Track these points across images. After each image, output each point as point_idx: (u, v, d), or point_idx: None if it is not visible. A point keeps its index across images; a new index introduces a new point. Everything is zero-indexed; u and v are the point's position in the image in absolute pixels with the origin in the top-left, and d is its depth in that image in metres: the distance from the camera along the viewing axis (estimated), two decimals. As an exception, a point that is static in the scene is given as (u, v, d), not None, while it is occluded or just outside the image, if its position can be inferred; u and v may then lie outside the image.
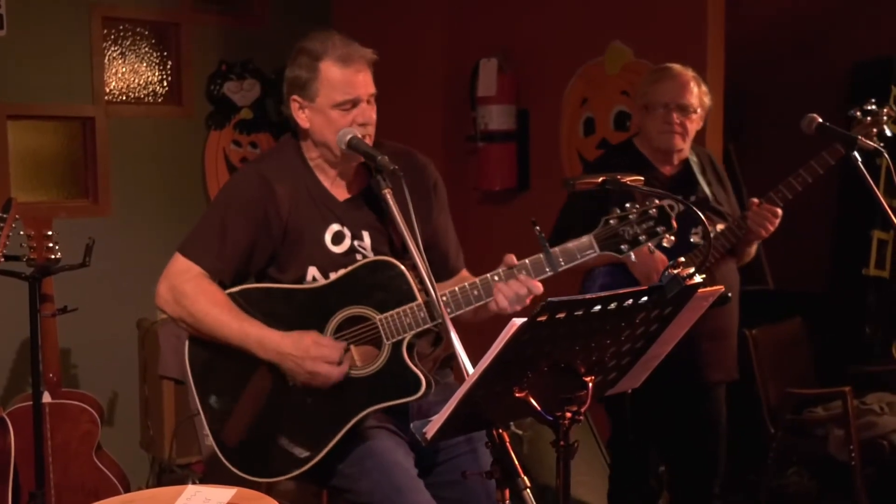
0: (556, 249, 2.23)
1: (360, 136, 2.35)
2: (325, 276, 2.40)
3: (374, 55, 2.41)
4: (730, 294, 2.97)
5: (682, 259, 2.39)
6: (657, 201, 2.22)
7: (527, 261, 2.26)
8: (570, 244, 2.23)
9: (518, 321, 1.62)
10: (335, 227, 2.43)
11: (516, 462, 1.80)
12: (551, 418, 1.78)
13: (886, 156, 2.54)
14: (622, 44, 4.16)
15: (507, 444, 1.82)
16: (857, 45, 4.79)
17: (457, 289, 2.28)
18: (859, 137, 2.52)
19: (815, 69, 4.91)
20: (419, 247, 2.18)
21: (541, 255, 2.24)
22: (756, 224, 3.00)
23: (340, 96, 2.34)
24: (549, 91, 4.45)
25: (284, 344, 2.30)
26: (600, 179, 2.19)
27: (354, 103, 2.35)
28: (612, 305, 1.70)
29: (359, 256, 2.42)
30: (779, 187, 3.00)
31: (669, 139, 3.09)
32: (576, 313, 1.66)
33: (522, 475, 1.79)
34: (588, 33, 4.28)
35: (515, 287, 2.23)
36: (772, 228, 3.01)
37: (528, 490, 1.79)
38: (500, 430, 1.83)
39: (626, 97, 4.19)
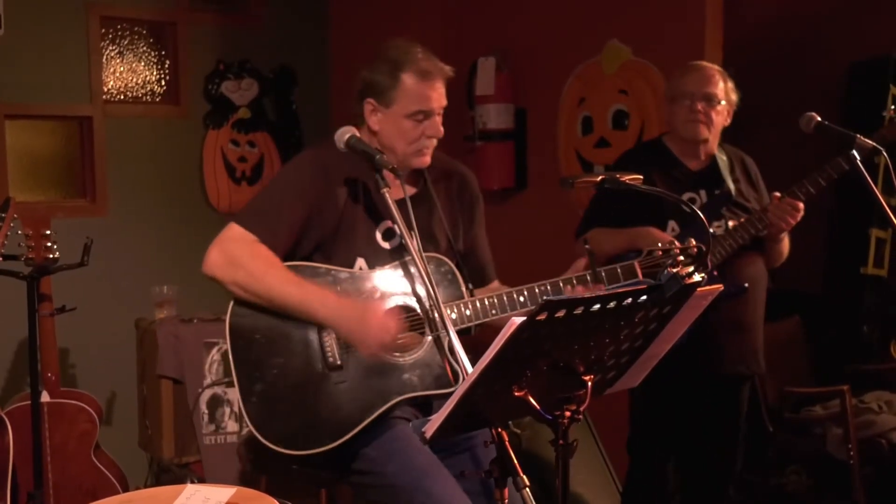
0: (602, 270, 2.40)
1: (358, 135, 2.40)
2: (371, 269, 2.47)
3: (451, 72, 2.51)
4: (746, 285, 2.99)
5: (682, 257, 2.43)
6: (693, 241, 2.43)
7: (573, 277, 2.41)
8: (617, 268, 2.41)
9: (517, 320, 1.62)
10: (388, 223, 2.51)
11: (515, 461, 1.81)
12: (550, 417, 1.78)
13: (885, 154, 2.54)
14: (620, 43, 4.16)
15: (507, 442, 1.83)
16: (854, 44, 4.79)
17: (504, 294, 2.41)
18: (858, 136, 2.52)
19: (812, 69, 4.91)
20: (417, 244, 2.25)
21: (587, 274, 2.40)
22: (777, 217, 3.01)
23: (416, 107, 2.44)
24: (547, 90, 4.45)
25: (347, 301, 2.37)
26: (599, 178, 2.20)
27: (427, 115, 2.45)
28: (612, 304, 1.71)
29: (407, 255, 2.47)
30: (802, 182, 2.99)
31: (695, 128, 3.11)
32: (575, 312, 1.66)
33: (521, 474, 1.79)
34: (586, 32, 4.28)
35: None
36: (793, 222, 3.01)
37: (527, 489, 1.79)
38: (500, 429, 1.83)
39: (624, 96, 4.19)
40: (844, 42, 4.84)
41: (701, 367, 3.06)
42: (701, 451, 3.30)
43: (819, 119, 2.59)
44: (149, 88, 5.01)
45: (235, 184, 5.16)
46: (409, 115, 2.44)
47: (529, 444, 3.57)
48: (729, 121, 3.20)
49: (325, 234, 2.47)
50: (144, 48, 4.98)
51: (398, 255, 2.48)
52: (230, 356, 2.43)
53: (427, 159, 2.50)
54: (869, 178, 2.46)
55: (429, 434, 1.77)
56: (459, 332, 2.36)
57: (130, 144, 4.84)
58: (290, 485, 3.06)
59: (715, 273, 2.95)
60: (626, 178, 2.20)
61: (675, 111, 3.16)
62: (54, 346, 3.71)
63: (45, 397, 3.61)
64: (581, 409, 1.80)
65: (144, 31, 4.97)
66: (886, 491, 3.94)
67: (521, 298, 2.39)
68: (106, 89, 4.83)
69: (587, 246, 2.38)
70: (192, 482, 3.42)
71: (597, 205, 3.22)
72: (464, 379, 1.77)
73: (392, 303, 2.42)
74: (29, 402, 3.53)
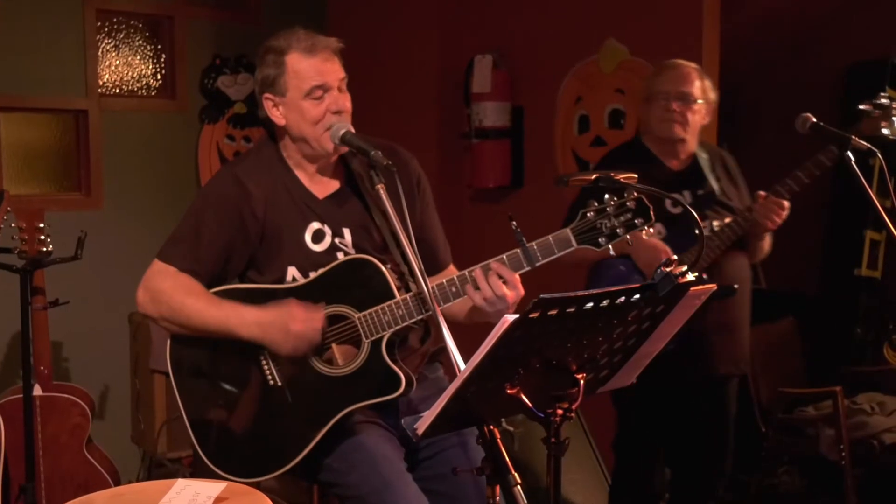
0: (534, 244, 2.22)
1: (353, 130, 2.34)
2: (305, 276, 2.40)
3: (339, 43, 2.40)
4: (736, 286, 2.98)
5: (676, 256, 2.41)
6: (635, 193, 2.18)
7: (503, 256, 2.24)
8: (548, 238, 2.23)
9: (510, 317, 1.61)
10: (315, 225, 2.42)
11: (507, 458, 1.80)
12: (542, 415, 1.78)
13: (880, 156, 2.54)
14: (617, 42, 4.16)
15: (498, 440, 1.82)
16: (852, 45, 4.80)
17: (434, 286, 2.26)
18: (853, 137, 2.52)
19: (810, 69, 4.92)
20: (412, 242, 2.18)
21: (518, 251, 2.23)
22: (762, 216, 3.00)
23: (308, 84, 2.34)
24: (543, 88, 4.45)
25: (265, 317, 2.30)
26: (593, 177, 2.19)
27: (325, 89, 2.35)
28: (605, 303, 1.70)
29: (340, 254, 2.41)
30: (785, 180, 3.00)
31: (669, 127, 3.10)
32: (568, 310, 1.66)
33: (513, 471, 1.79)
34: (583, 31, 4.28)
35: (493, 282, 2.21)
36: (779, 221, 3.01)
37: (519, 486, 1.79)
38: (492, 427, 1.83)
39: (621, 95, 4.19)
40: (842, 44, 4.85)
41: (689, 369, 3.05)
42: (690, 450, 3.30)
43: (814, 120, 2.59)
44: (145, 82, 5.00)
45: (231, 179, 5.15)
46: (306, 94, 2.34)
47: (522, 442, 3.57)
48: (708, 119, 3.19)
49: (252, 247, 2.41)
50: (140, 42, 4.97)
51: (331, 255, 2.40)
52: (175, 390, 2.43)
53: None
54: (864, 180, 2.45)
55: (421, 431, 1.76)
56: (402, 331, 2.33)
57: (126, 138, 4.83)
58: (283, 480, 3.06)
59: (704, 276, 2.94)
60: (621, 176, 2.18)
61: (650, 110, 3.14)
62: (47, 339, 3.70)
63: (37, 391, 3.61)
64: (573, 407, 1.80)
65: (141, 25, 4.96)
66: (878, 492, 3.94)
67: (454, 289, 2.25)
68: (101, 83, 4.81)
69: (513, 223, 2.21)
70: (184, 477, 3.42)
71: (578, 206, 3.16)
72: (457, 376, 1.76)
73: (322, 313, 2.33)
74: (21, 395, 3.53)
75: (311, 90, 2.34)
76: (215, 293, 2.39)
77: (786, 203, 2.99)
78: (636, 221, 2.17)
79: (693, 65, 3.16)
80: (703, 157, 3.18)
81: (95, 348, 4.62)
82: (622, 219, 2.18)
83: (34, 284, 3.60)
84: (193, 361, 2.42)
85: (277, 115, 2.41)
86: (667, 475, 3.57)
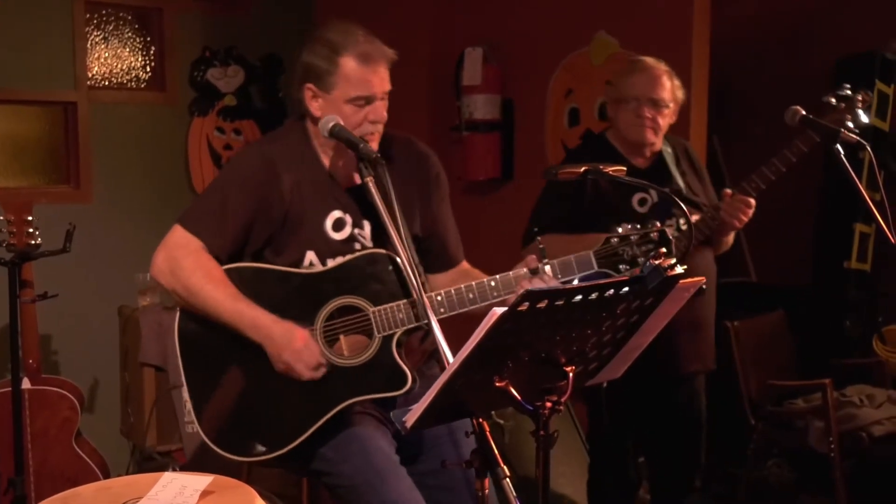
0: (555, 262, 2.27)
1: (342, 124, 2.33)
2: (323, 262, 2.40)
3: (394, 55, 2.40)
4: (704, 286, 2.96)
5: (664, 249, 2.41)
6: (658, 224, 2.26)
7: (526, 270, 2.28)
8: (571, 258, 2.27)
9: (499, 310, 1.61)
10: (337, 213, 2.42)
11: (496, 451, 1.80)
12: (531, 408, 1.78)
13: (869, 149, 2.54)
14: (608, 35, 4.16)
15: (487, 433, 1.82)
16: (841, 40, 4.80)
17: (452, 290, 2.29)
18: (842, 131, 2.52)
19: (799, 64, 4.92)
20: (401, 234, 2.19)
21: (539, 267, 2.27)
22: (729, 215, 2.99)
23: (356, 92, 2.33)
24: (534, 81, 4.45)
25: (274, 330, 2.29)
26: (582, 169, 2.19)
27: (369, 100, 2.35)
28: (594, 296, 1.70)
29: (357, 245, 2.42)
30: (752, 177, 2.98)
31: (641, 132, 3.06)
32: (557, 303, 1.66)
33: (502, 464, 1.79)
34: (574, 24, 4.28)
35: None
36: (745, 219, 2.99)
37: (508, 479, 1.79)
38: (481, 420, 1.83)
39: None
40: (831, 38, 4.85)
41: (656, 367, 3.02)
42: (662, 443, 3.31)
43: (804, 113, 2.59)
44: (134, 75, 4.98)
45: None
46: (350, 100, 2.33)
47: (512, 435, 3.57)
48: (675, 118, 3.17)
49: (273, 227, 2.40)
50: (130, 34, 4.95)
51: (349, 245, 2.41)
52: (180, 364, 2.41)
53: (372, 145, 2.37)
54: (853, 174, 2.45)
55: (409, 423, 1.76)
56: (410, 331, 2.33)
57: (115, 131, 4.82)
58: (272, 473, 3.06)
59: None
60: (610, 169, 2.18)
61: (620, 112, 3.09)
62: (35, 332, 3.69)
63: (25, 384, 3.60)
64: (562, 399, 1.80)
65: (130, 17, 4.94)
66: (867, 484, 3.96)
67: (471, 295, 2.28)
68: (90, 75, 4.80)
69: (539, 241, 2.26)
70: (174, 470, 3.42)
71: (543, 206, 3.12)
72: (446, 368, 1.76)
73: (336, 305, 2.33)
74: (10, 388, 3.52)
75: (356, 98, 2.34)
76: (230, 270, 2.37)
77: (752, 201, 2.98)
78: (658, 252, 2.20)
79: (663, 66, 3.10)
80: (668, 152, 3.15)
81: (84, 341, 4.61)
82: (644, 248, 2.26)
83: (23, 277, 3.59)
84: (201, 335, 2.40)
85: (315, 107, 2.40)
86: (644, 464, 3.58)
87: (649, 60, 3.12)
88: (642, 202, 3.04)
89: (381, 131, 2.40)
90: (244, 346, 2.34)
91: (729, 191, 3.01)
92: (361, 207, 2.43)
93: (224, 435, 2.38)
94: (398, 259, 2.27)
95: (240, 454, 2.36)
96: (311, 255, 2.40)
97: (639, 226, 2.23)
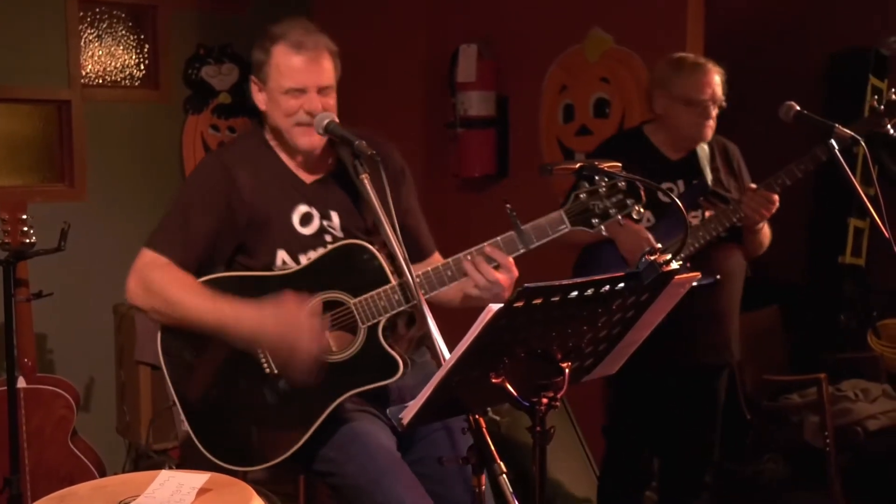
0: (528, 226, 2.24)
1: (337, 121, 2.32)
2: (295, 260, 2.39)
3: (330, 45, 2.37)
4: (718, 277, 2.98)
5: (660, 245, 2.41)
6: (623, 172, 2.19)
7: (499, 238, 2.26)
8: (542, 220, 2.25)
9: (495, 306, 1.61)
10: (303, 208, 2.41)
11: (492, 447, 1.80)
12: (527, 404, 1.78)
13: (864, 144, 2.55)
14: (602, 31, 4.16)
15: (484, 429, 1.82)
16: (835, 34, 4.81)
17: (430, 269, 2.28)
18: (836, 126, 2.52)
19: (793, 59, 4.93)
20: (395, 230, 2.17)
21: (513, 233, 2.25)
22: (751, 209, 3.00)
23: (286, 83, 2.33)
24: (528, 77, 4.45)
25: (264, 316, 2.25)
26: (577, 165, 2.19)
27: (301, 91, 2.33)
28: (589, 292, 1.70)
29: (328, 237, 2.41)
30: (779, 173, 2.99)
31: (703, 131, 3.09)
32: (552, 299, 1.66)
33: (498, 461, 1.79)
34: (568, 20, 4.28)
35: (483, 269, 2.22)
36: (767, 214, 3.01)
37: (504, 475, 1.79)
38: (477, 416, 1.83)
39: (606, 84, 4.18)
40: (825, 33, 4.86)
41: (676, 358, 3.06)
42: (678, 439, 3.32)
43: (798, 108, 2.59)
44: (128, 72, 4.97)
45: (215, 169, 5.13)
46: (284, 92, 2.32)
47: (508, 430, 3.58)
48: None
49: (240, 232, 2.38)
50: (123, 32, 4.94)
51: (319, 239, 2.39)
52: (167, 379, 2.40)
53: (308, 140, 2.35)
54: (847, 168, 2.46)
55: (406, 420, 1.76)
56: (395, 316, 2.32)
57: (109, 129, 4.80)
58: (269, 471, 3.06)
59: (688, 265, 2.94)
60: (605, 165, 2.18)
61: (683, 114, 3.08)
62: (31, 331, 3.68)
63: (21, 383, 3.59)
64: (559, 395, 1.80)
65: (123, 15, 4.93)
66: (862, 478, 3.97)
67: (449, 273, 2.26)
68: (84, 73, 4.78)
69: (507, 206, 2.20)
70: (171, 468, 3.41)
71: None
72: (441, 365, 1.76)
73: (316, 299, 2.31)
74: (5, 387, 3.51)
75: (289, 90, 2.33)
76: (206, 282, 2.35)
77: (775, 197, 2.99)
78: (627, 202, 2.19)
79: (713, 64, 3.12)
80: (703, 149, 3.17)
81: (80, 340, 4.60)
82: (614, 199, 2.22)
83: (17, 276, 3.58)
84: (186, 352, 2.39)
85: (260, 100, 2.41)
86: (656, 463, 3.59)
87: (708, 62, 3.14)
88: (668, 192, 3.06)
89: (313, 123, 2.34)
90: (230, 355, 2.33)
91: (753, 185, 3.03)
92: (327, 199, 2.43)
93: (225, 447, 2.36)
94: (371, 248, 2.29)
95: (245, 464, 2.35)
96: (282, 255, 2.39)
97: (606, 178, 2.20)
